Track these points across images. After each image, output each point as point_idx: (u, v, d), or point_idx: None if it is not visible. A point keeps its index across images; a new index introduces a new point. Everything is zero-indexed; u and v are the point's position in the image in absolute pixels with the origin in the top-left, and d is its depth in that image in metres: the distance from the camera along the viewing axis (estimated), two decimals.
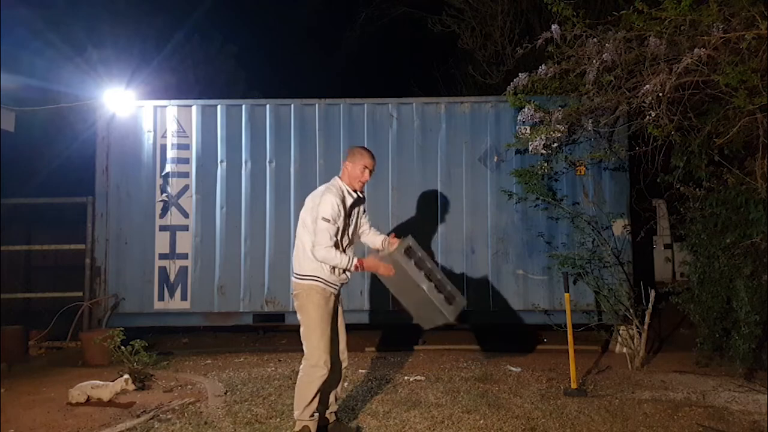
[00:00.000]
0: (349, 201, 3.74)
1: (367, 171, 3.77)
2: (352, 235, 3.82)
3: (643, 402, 4.60)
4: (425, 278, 3.84)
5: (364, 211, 3.95)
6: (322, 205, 3.60)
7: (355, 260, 3.64)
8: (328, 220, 3.57)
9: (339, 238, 3.68)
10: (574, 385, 4.80)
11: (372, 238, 4.01)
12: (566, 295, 5.05)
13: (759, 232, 5.06)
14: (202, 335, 7.70)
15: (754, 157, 5.33)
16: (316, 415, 3.73)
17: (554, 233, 6.73)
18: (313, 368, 3.61)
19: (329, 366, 3.63)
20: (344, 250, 3.72)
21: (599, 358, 6.21)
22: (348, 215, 3.73)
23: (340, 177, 3.81)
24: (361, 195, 3.84)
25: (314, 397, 3.64)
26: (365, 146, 3.90)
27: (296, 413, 3.67)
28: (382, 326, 7.31)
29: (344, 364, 3.91)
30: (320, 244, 3.57)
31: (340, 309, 3.89)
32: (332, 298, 3.74)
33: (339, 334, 3.87)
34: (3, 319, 6.51)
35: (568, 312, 5.00)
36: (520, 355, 6.30)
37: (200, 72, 12.27)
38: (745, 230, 5.16)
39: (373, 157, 3.82)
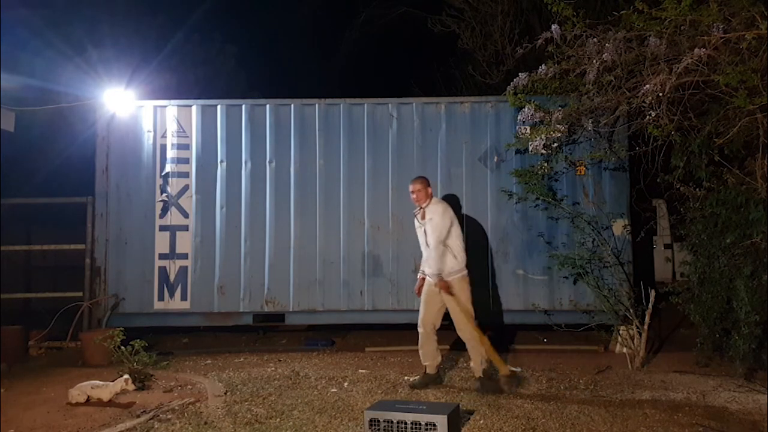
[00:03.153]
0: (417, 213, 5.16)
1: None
2: (425, 240, 5.04)
3: (643, 402, 4.60)
4: None
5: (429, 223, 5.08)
6: None
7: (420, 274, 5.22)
8: None
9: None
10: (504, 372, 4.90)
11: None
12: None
13: (759, 232, 5.04)
14: (202, 335, 7.70)
15: (754, 157, 5.32)
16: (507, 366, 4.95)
17: (554, 233, 6.73)
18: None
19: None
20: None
21: (599, 358, 6.21)
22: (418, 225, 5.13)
23: None
24: (418, 210, 5.12)
25: (491, 349, 4.86)
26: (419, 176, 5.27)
27: (483, 368, 4.91)
28: (382, 326, 7.30)
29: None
30: None
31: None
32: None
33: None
34: (3, 319, 6.50)
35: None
36: (520, 355, 6.30)
37: (200, 72, 12.27)
38: (745, 230, 5.15)
39: (411, 182, 5.14)
